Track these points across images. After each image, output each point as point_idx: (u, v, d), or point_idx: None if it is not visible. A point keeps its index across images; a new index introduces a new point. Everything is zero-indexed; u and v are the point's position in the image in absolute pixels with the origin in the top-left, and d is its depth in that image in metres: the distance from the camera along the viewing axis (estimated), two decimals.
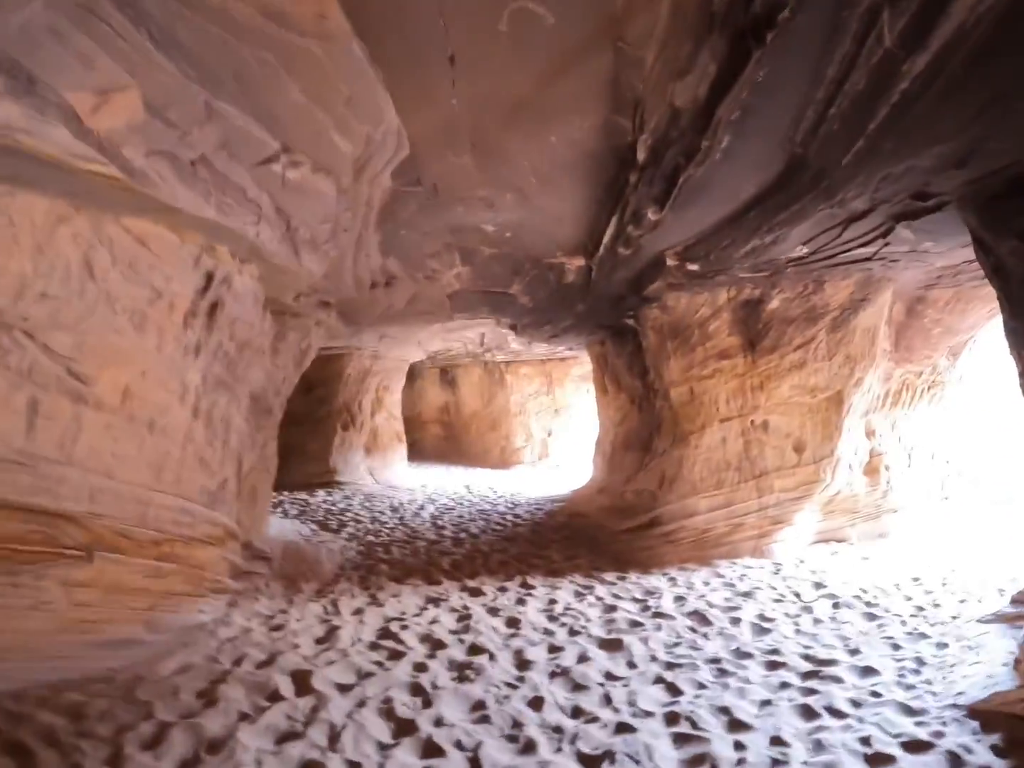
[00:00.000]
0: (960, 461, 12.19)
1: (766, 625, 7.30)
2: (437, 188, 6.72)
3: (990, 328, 10.98)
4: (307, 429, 17.04)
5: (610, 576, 9.21)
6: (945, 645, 6.66)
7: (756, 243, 7.50)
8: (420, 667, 6.24)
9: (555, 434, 23.22)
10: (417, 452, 23.97)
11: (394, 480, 18.33)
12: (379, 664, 6.30)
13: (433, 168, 6.29)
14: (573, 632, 7.15)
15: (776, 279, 8.97)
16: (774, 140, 5.32)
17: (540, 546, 10.92)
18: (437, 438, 25.61)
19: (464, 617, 7.63)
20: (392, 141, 5.77)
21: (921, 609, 7.79)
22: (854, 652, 6.55)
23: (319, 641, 6.87)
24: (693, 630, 7.21)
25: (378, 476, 18.00)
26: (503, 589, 8.67)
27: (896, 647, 6.67)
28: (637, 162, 5.93)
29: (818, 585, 8.70)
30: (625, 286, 9.53)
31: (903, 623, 7.32)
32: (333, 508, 14.27)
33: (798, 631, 7.15)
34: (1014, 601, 7.18)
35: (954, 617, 7.49)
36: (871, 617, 7.54)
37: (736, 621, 7.44)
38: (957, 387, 11.72)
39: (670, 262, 8.31)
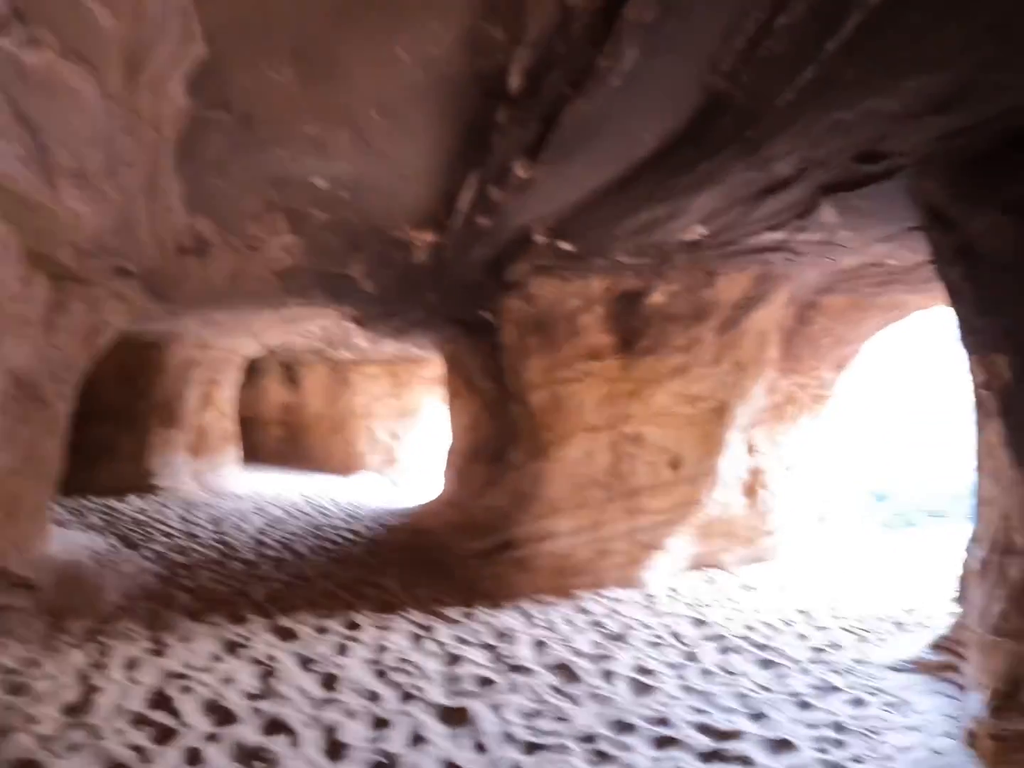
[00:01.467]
0: (838, 480, 11.28)
1: (647, 681, 6.06)
2: (251, 118, 5.11)
3: (878, 341, 10.06)
4: (120, 425, 14.80)
5: (455, 611, 7.81)
6: (862, 702, 5.70)
7: (647, 217, 6.26)
8: (194, 757, 4.59)
9: (402, 440, 21.71)
10: (256, 455, 21.88)
11: (223, 486, 16.34)
12: (138, 751, 4.63)
13: (243, 84, 4.73)
14: (406, 696, 5.67)
15: (662, 268, 7.71)
16: (693, 65, 4.07)
17: (376, 570, 9.37)
18: (278, 440, 23.54)
19: (268, 673, 6.01)
20: (177, 24, 4.13)
21: (819, 651, 6.86)
22: (758, 717, 5.41)
23: (68, 710, 5.14)
24: (558, 690, 5.87)
25: (205, 481, 15.97)
26: (323, 630, 7.10)
27: (805, 706, 5.62)
28: (508, 92, 4.53)
29: (699, 622, 7.64)
30: (483, 270, 8.09)
31: (804, 671, 6.34)
32: (142, 518, 12.30)
33: (686, 688, 5.97)
34: (936, 647, 6.32)
35: (858, 661, 6.60)
36: (766, 664, 6.52)
37: (610, 676, 6.17)
38: (838, 402, 10.77)
39: (538, 239, 6.92)
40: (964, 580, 6.08)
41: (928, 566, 10.57)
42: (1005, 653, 4.67)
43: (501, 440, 9.50)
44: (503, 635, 7.07)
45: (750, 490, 9.81)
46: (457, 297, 9.29)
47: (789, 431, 10.33)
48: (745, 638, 7.11)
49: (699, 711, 5.46)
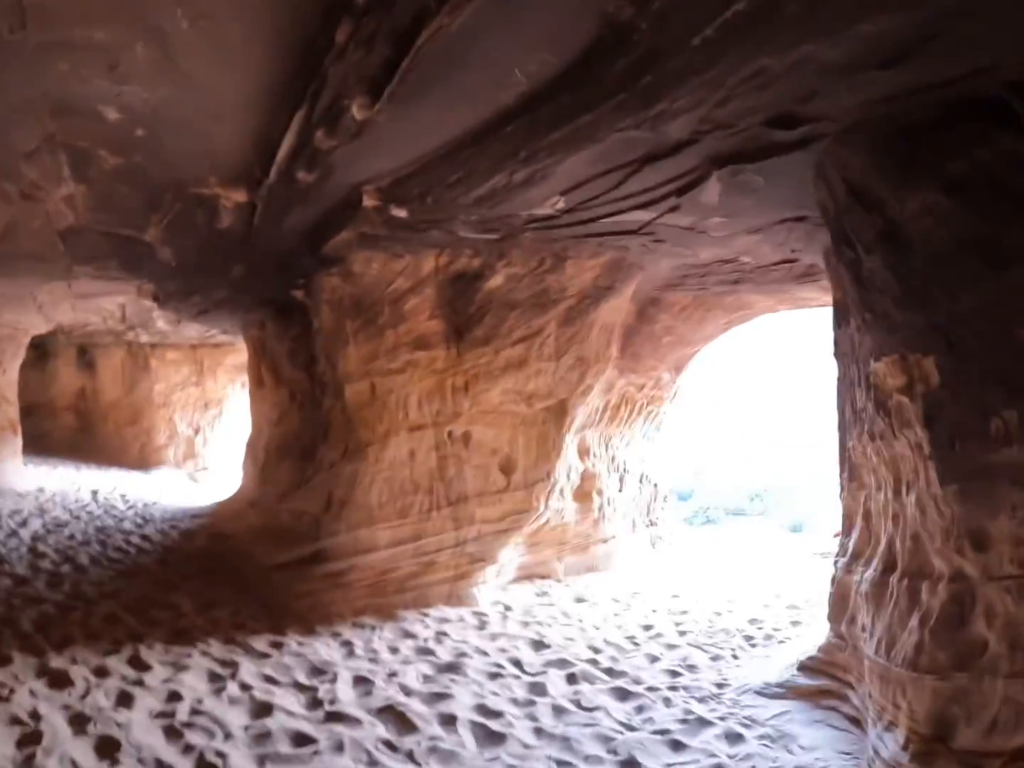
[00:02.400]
0: (666, 485, 10.72)
1: (494, 726, 4.87)
2: (22, 8, 3.50)
3: (718, 342, 9.52)
4: None
5: (261, 640, 6.24)
6: (739, 737, 4.89)
7: (502, 181, 5.03)
8: None
9: (204, 432, 19.61)
10: (46, 446, 18.84)
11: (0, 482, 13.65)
12: None
13: None
14: (202, 764, 4.20)
15: (506, 246, 6.57)
16: None
17: (168, 586, 7.59)
18: (71, 430, 20.51)
19: (30, 737, 4.31)
20: None
21: (675, 674, 6.06)
22: (630, 765, 4.45)
23: None
24: (391, 746, 4.55)
25: None
26: (103, 672, 5.37)
27: (677, 746, 4.73)
28: (355, 2, 3.24)
29: (538, 644, 6.54)
30: (299, 238, 6.63)
31: (666, 701, 5.46)
32: None
33: (540, 732, 4.85)
34: (806, 669, 5.75)
35: (719, 685, 5.87)
36: (622, 695, 5.55)
37: (450, 721, 4.91)
38: (672, 405, 10.16)
39: (369, 202, 5.59)
40: (840, 599, 5.46)
41: (748, 568, 10.27)
42: (926, 691, 3.91)
43: (311, 437, 8.07)
44: (320, 671, 5.62)
45: (583, 495, 8.91)
46: (267, 273, 7.72)
47: (623, 434, 9.59)
48: (592, 662, 6.09)
49: (561, 764, 4.38)
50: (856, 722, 4.85)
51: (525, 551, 8.27)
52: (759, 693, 5.61)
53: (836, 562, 5.74)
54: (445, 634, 6.60)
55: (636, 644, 6.73)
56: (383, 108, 4.10)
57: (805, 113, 3.94)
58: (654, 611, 7.84)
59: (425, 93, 3.97)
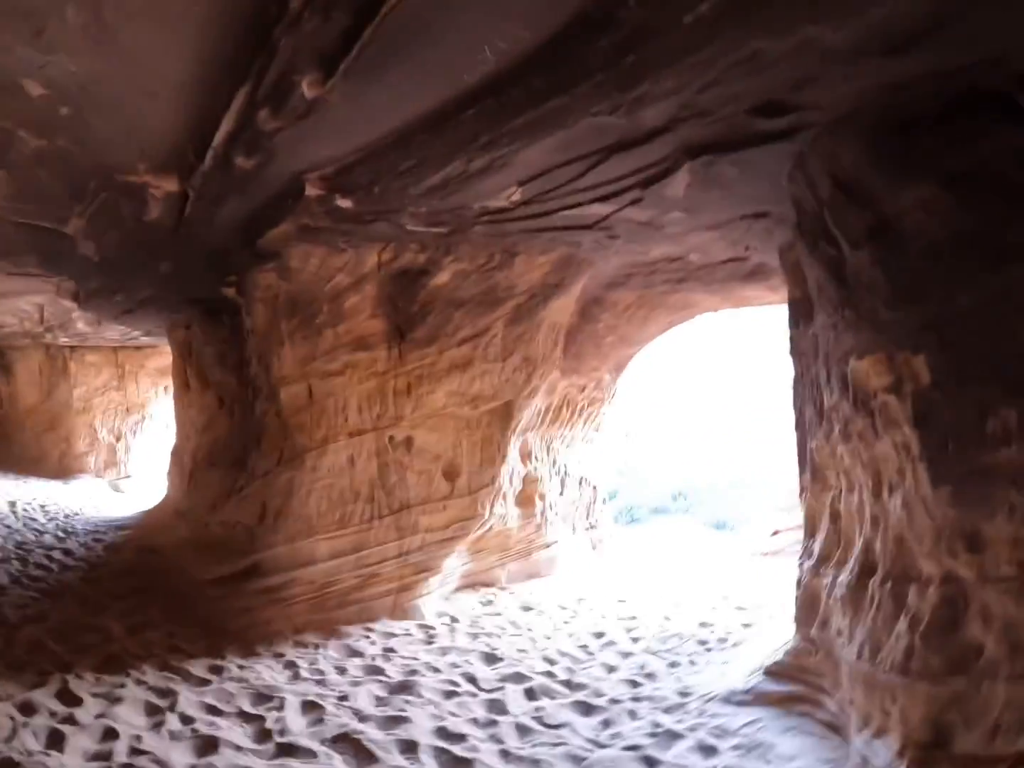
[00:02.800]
0: (606, 487, 10.52)
1: (458, 751, 4.47)
2: None
3: (658, 343, 9.36)
4: None
5: (200, 665, 5.68)
6: (713, 749, 4.61)
7: (458, 170, 4.66)
8: None
9: (126, 439, 18.55)
10: None
11: None
12: None
13: None
14: None
15: (455, 240, 6.20)
16: None
17: (96, 607, 6.89)
18: None
19: None
20: None
21: (635, 684, 5.76)
22: None
23: None
24: None
25: None
26: (29, 708, 4.75)
27: (651, 763, 4.43)
28: None
29: (491, 658, 6.17)
30: (233, 231, 6.12)
31: (631, 714, 5.16)
32: None
33: (507, 755, 4.49)
34: (772, 674, 5.45)
35: (682, 693, 5.55)
36: (586, 709, 5.23)
37: (411, 748, 4.48)
38: (611, 407, 9.96)
39: (311, 191, 5.15)
40: (808, 603, 5.27)
41: (690, 568, 10.16)
42: (920, 697, 3.74)
43: (242, 443, 7.52)
44: (265, 697, 5.10)
45: (526, 499, 8.59)
46: (197, 269, 7.12)
47: (564, 436, 9.33)
48: (548, 674, 5.75)
49: None
50: (834, 728, 4.65)
51: (468, 559, 7.91)
52: (725, 701, 5.38)
53: (801, 564, 5.56)
54: (393, 650, 6.18)
55: (590, 654, 6.44)
56: (336, 85, 3.72)
57: (795, 101, 3.71)
58: (603, 617, 7.58)
59: (383, 70, 3.60)
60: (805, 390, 6.08)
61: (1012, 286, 3.48)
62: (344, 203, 5.33)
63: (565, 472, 9.28)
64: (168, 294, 8.43)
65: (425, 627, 6.83)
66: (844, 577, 4.71)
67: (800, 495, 6.04)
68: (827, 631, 4.93)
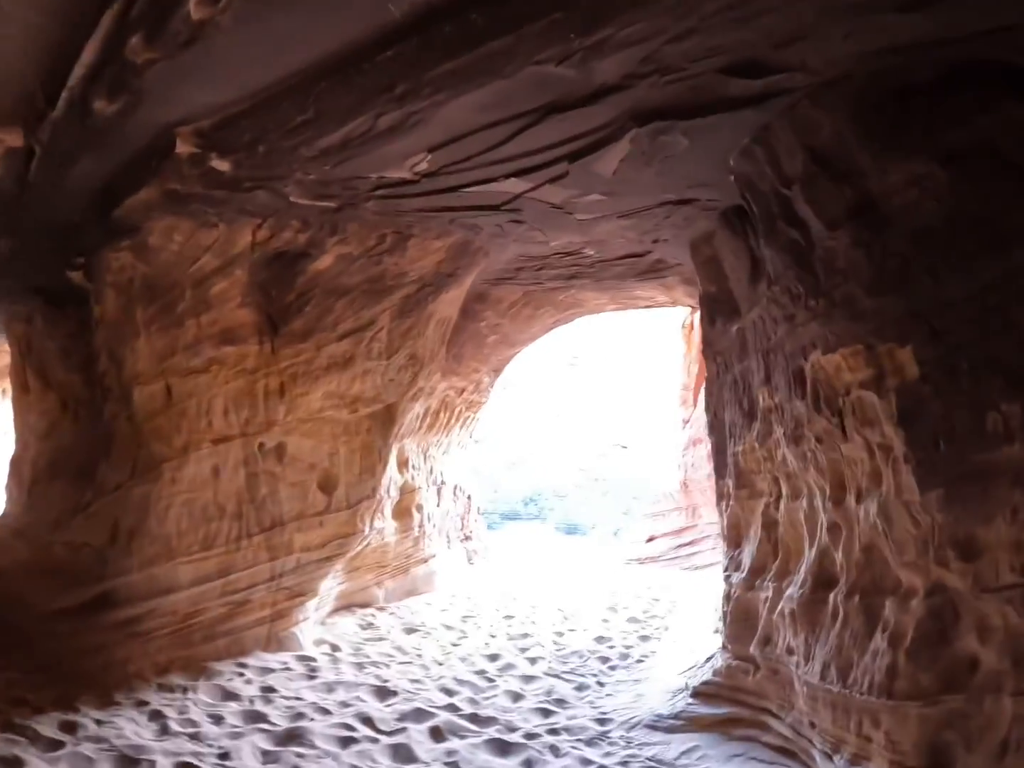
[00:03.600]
0: (479, 496, 9.90)
1: None
2: None
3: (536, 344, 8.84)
4: None
5: (49, 721, 4.53)
6: None
7: (361, 127, 3.92)
8: None
9: None
10: None
11: None
12: None
13: None
14: None
15: (343, 218, 5.38)
16: None
17: None
18: None
19: None
20: None
21: (547, 714, 5.22)
22: None
23: None
24: None
25: None
26: None
27: None
28: None
29: (384, 692, 5.44)
30: (86, 200, 5.00)
31: (555, 751, 4.56)
32: None
33: None
34: (703, 696, 5.05)
35: (601, 721, 5.07)
36: (503, 748, 4.62)
37: None
38: (485, 411, 9.35)
39: (183, 147, 4.23)
40: (741, 618, 4.89)
41: (568, 578, 9.75)
42: (911, 719, 3.34)
43: (89, 452, 6.29)
44: (131, 761, 4.07)
45: (402, 512, 7.84)
46: (39, 249, 5.80)
47: (441, 442, 8.62)
48: (451, 708, 5.09)
49: None
50: (787, 753, 4.24)
51: (344, 578, 7.05)
52: (652, 727, 4.91)
53: (728, 577, 5.16)
54: (272, 689, 5.28)
55: (490, 680, 5.82)
56: (231, 5, 2.95)
57: (777, 61, 3.26)
58: (493, 636, 6.99)
59: None
60: (724, 391, 5.72)
61: (1015, 272, 3.16)
62: (221, 165, 4.45)
63: (441, 481, 8.58)
64: (5, 280, 7.02)
65: (305, 659, 5.96)
66: (792, 591, 4.32)
67: (720, 503, 5.68)
68: (771, 649, 4.53)
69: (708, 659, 5.41)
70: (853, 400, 3.65)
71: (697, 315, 12.51)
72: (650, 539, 11.17)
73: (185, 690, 5.17)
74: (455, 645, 6.66)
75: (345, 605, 7.24)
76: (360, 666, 5.90)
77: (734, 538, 5.28)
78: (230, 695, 5.15)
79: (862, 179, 3.44)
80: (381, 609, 7.44)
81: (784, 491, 4.57)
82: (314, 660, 5.94)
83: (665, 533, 11.10)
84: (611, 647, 6.75)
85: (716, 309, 5.66)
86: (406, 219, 5.51)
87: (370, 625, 7.01)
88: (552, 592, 8.70)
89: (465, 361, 8.10)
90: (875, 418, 3.55)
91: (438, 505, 8.40)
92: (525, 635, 7.01)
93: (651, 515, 11.57)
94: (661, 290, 7.58)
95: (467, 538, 9.29)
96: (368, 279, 5.98)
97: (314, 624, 6.55)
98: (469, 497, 9.37)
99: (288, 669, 5.70)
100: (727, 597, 5.05)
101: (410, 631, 6.95)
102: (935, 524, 3.32)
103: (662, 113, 3.79)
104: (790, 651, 4.27)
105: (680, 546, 10.69)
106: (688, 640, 6.61)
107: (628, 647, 6.73)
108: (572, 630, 7.27)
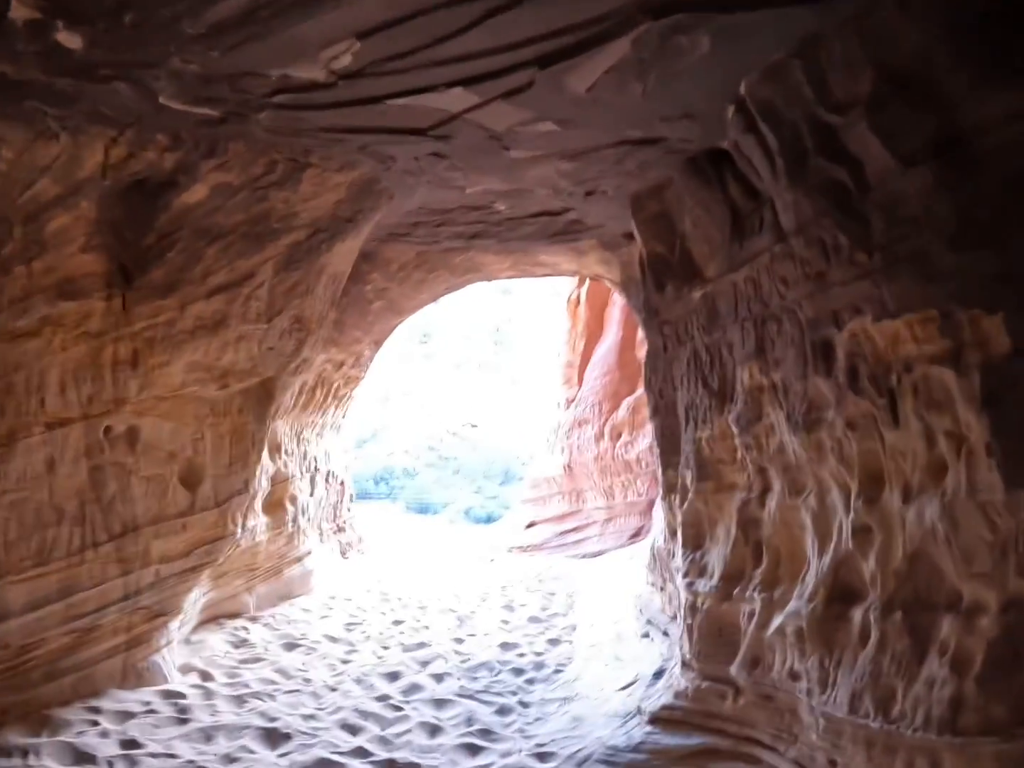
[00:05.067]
0: (351, 483, 8.75)
1: None
2: None
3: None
4: None
5: None
6: None
7: None
8: None
9: None
10: None
11: None
12: None
13: None
14: None
15: (225, 134, 4.12)
16: None
17: None
18: None
19: None
20: None
21: (475, 750, 4.31)
22: None
23: None
24: None
25: None
26: None
27: None
28: None
29: (274, 736, 4.36)
30: None
31: None
32: None
33: None
34: (661, 721, 4.27)
35: (542, 757, 4.23)
36: None
37: None
38: (360, 388, 8.18)
39: (21, 11, 2.94)
40: (714, 634, 4.18)
41: (450, 570, 8.85)
42: (985, 759, 2.68)
43: None
44: None
45: (274, 506, 6.58)
46: None
47: (315, 423, 7.39)
48: (359, 753, 4.11)
49: None
50: None
51: (210, 586, 5.76)
52: (607, 763, 4.08)
53: (690, 584, 4.35)
54: (136, 744, 4.03)
55: (397, 708, 4.81)
56: None
57: None
58: (386, 648, 5.99)
59: None
60: (676, 367, 4.93)
61: None
62: (71, 40, 3.20)
63: (315, 468, 7.38)
64: None
65: (171, 695, 4.72)
66: (796, 605, 3.58)
67: (670, 497, 4.90)
68: (762, 672, 3.79)
69: (656, 675, 4.65)
70: (916, 378, 2.92)
71: (584, 289, 11.95)
72: (530, 525, 10.42)
73: (25, 753, 3.82)
74: (345, 662, 5.59)
75: (212, 617, 5.97)
76: (240, 700, 4.72)
77: (693, 538, 4.52)
78: (83, 757, 3.90)
79: (951, 109, 2.72)
80: (254, 619, 6.21)
81: (777, 486, 3.82)
82: (183, 696, 4.71)
83: (547, 519, 10.39)
84: (520, 655, 5.92)
85: (665, 273, 4.87)
86: (305, 141, 4.33)
87: (244, 641, 5.79)
88: (438, 589, 7.75)
89: (347, 330, 6.93)
90: (946, 400, 2.83)
91: (312, 495, 7.21)
92: (421, 644, 6.05)
93: (531, 500, 10.82)
94: (571, 255, 6.75)
95: (340, 529, 8.16)
96: (249, 219, 4.73)
97: (178, 644, 5.26)
98: (342, 483, 8.22)
99: (152, 712, 4.46)
100: (692, 608, 4.28)
101: (291, 646, 5.80)
102: (1020, 529, 2.65)
103: (692, 2, 2.89)
104: (794, 676, 3.55)
105: (564, 532, 10.01)
106: (608, 645, 5.86)
107: (539, 654, 5.92)
108: (472, 635, 6.37)
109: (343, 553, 8.15)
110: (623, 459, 9.83)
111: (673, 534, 4.87)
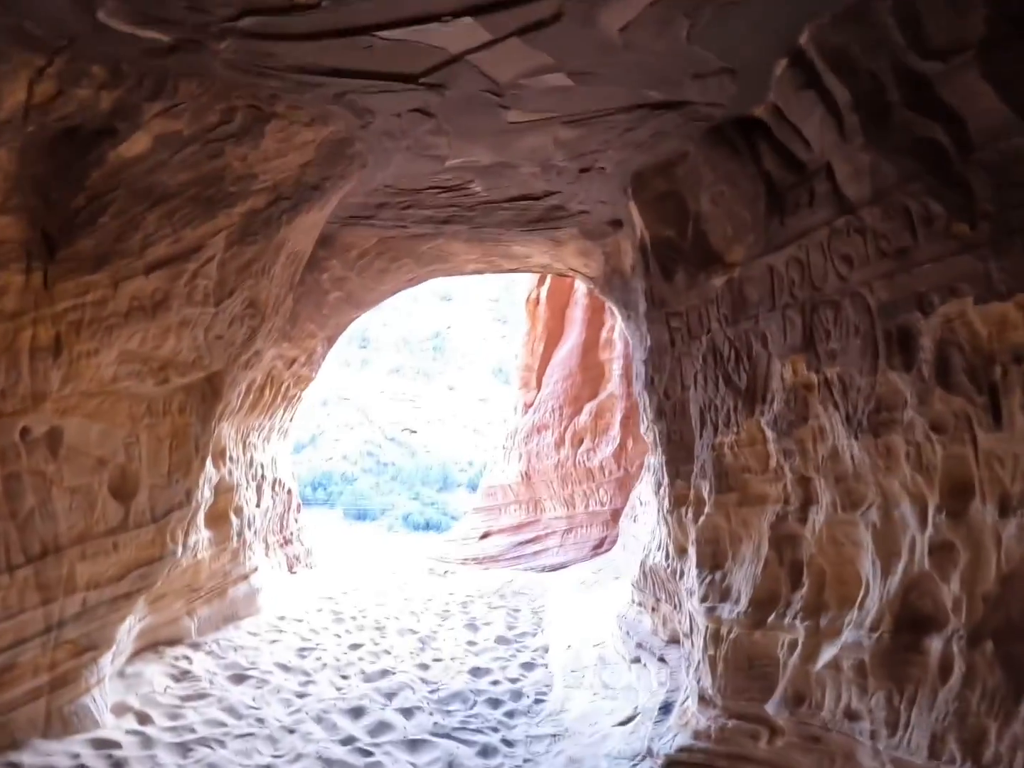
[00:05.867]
0: (297, 492, 8.01)
1: None
2: None
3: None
4: None
5: None
6: None
7: None
8: None
9: None
10: None
11: None
12: None
13: None
14: None
15: (175, 69, 3.35)
16: None
17: None
18: None
19: None
20: None
21: None
22: None
23: None
24: None
25: None
26: None
27: None
28: None
29: None
30: None
31: None
32: None
33: None
34: (678, 764, 3.79)
35: None
36: None
37: None
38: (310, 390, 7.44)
39: None
40: (740, 667, 3.66)
41: (402, 583, 8.17)
42: None
43: None
44: None
45: (217, 518, 5.78)
46: None
47: (262, 427, 6.61)
48: None
49: None
50: None
51: (146, 610, 4.97)
52: None
53: (711, 610, 3.81)
54: None
55: (367, 754, 4.14)
56: None
57: None
58: (345, 678, 5.29)
59: None
60: (687, 363, 4.39)
61: None
62: None
63: (262, 475, 6.61)
64: None
65: (105, 744, 3.93)
66: (855, 635, 3.06)
67: (676, 508, 4.36)
68: (810, 711, 3.26)
69: (663, 710, 4.09)
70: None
71: (545, 289, 11.39)
72: (485, 535, 9.78)
73: None
74: (301, 696, 4.88)
75: (149, 644, 5.15)
76: (184, 749, 3.96)
77: (711, 557, 3.97)
78: None
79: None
80: (196, 646, 5.40)
81: (826, 498, 3.29)
82: (117, 745, 3.91)
83: (502, 529, 9.77)
84: (494, 682, 5.32)
85: (674, 259, 4.34)
86: (271, 84, 3.60)
87: (185, 673, 4.99)
88: (393, 607, 7.06)
89: (300, 323, 6.20)
90: None
91: (258, 505, 6.45)
92: (384, 672, 5.37)
93: (484, 509, 10.18)
94: (546, 246, 6.20)
95: (287, 542, 7.40)
96: (200, 179, 3.95)
97: (111, 679, 4.46)
98: (289, 492, 7.47)
99: (82, 767, 3.64)
100: (715, 637, 3.73)
101: (239, 678, 5.04)
102: None
103: None
104: (852, 716, 3.04)
105: (522, 543, 9.41)
106: (592, 671, 5.30)
107: (514, 681, 5.34)
108: (437, 659, 5.73)
109: (290, 568, 7.39)
110: (585, 466, 9.33)
111: (681, 552, 4.31)
